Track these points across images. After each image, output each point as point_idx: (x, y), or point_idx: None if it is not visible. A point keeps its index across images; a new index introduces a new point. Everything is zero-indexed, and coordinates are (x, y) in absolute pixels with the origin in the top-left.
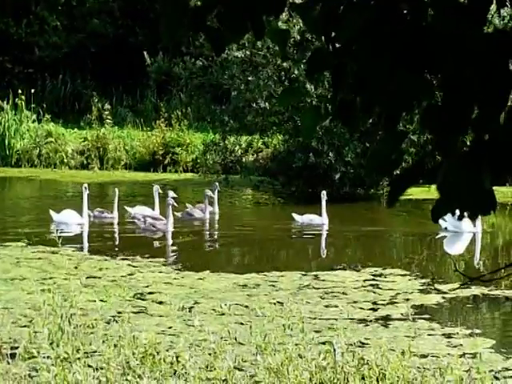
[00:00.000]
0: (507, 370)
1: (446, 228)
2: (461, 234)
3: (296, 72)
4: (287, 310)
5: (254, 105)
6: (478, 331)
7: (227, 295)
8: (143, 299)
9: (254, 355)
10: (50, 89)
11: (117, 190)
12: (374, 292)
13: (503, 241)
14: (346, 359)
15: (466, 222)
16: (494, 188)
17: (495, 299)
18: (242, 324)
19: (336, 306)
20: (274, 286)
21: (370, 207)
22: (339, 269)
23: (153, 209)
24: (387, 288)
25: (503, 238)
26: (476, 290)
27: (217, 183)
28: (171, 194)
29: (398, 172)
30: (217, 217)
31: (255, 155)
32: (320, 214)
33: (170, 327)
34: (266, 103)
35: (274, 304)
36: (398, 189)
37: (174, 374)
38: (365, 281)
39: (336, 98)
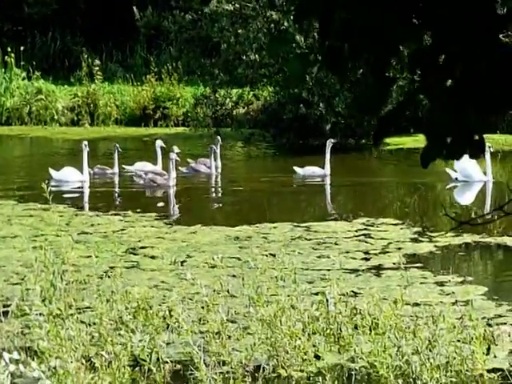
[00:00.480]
0: (500, 316)
1: (456, 178)
2: (471, 184)
3: (286, 24)
4: (279, 261)
5: (244, 57)
6: (470, 279)
7: (219, 248)
8: (135, 254)
9: (246, 307)
10: (40, 46)
11: (117, 145)
12: (366, 242)
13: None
14: (339, 309)
15: (477, 172)
16: (485, 135)
17: (487, 246)
18: (234, 276)
19: (328, 257)
20: (266, 237)
21: (361, 157)
22: (331, 219)
23: (155, 164)
24: (379, 237)
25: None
26: (468, 238)
27: (219, 137)
28: (176, 149)
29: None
30: (219, 171)
31: (246, 108)
32: (320, 166)
33: (162, 281)
34: (256, 55)
35: (266, 256)
36: (385, 127)
37: (167, 327)
38: (357, 231)
39: (324, 45)
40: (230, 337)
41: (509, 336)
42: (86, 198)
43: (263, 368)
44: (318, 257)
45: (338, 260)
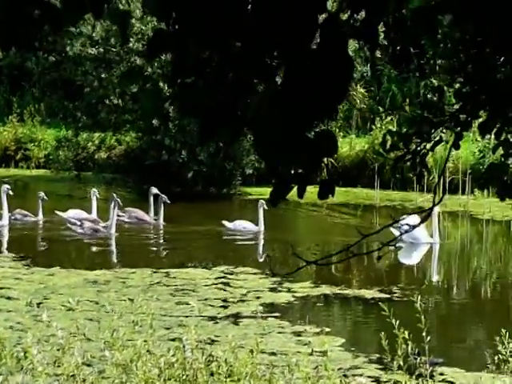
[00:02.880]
0: (356, 368)
1: (400, 238)
2: (417, 245)
3: (150, 70)
4: (137, 306)
5: (108, 101)
6: (327, 330)
7: (77, 291)
8: None
9: (102, 351)
10: None
11: (42, 193)
12: (225, 290)
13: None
14: (196, 356)
15: (423, 233)
16: (346, 189)
17: (346, 298)
18: (91, 320)
19: (187, 304)
20: (124, 282)
21: (221, 206)
22: (190, 266)
23: (89, 212)
24: (238, 286)
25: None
26: (327, 289)
27: (164, 197)
28: (115, 196)
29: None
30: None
31: (108, 152)
32: (253, 221)
33: (18, 322)
34: (120, 100)
35: (124, 300)
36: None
37: (21, 369)
38: (216, 279)
39: (176, 80)
40: (84, 380)
41: None
42: (5, 244)
43: None
44: (177, 303)
45: (196, 307)
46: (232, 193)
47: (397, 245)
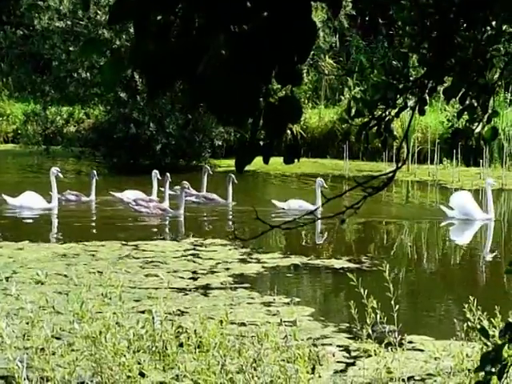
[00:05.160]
0: (325, 337)
1: (453, 216)
2: (471, 222)
3: (118, 42)
4: (106, 278)
5: (76, 75)
6: (297, 300)
7: (46, 265)
8: None
9: (71, 323)
10: None
11: (94, 171)
12: (195, 261)
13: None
14: (165, 327)
15: (477, 209)
16: (315, 160)
17: (315, 269)
18: (60, 293)
19: (156, 276)
20: (93, 255)
21: (191, 178)
22: (159, 239)
23: (149, 194)
24: (207, 257)
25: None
26: (296, 260)
27: (232, 175)
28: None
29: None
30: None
31: (77, 126)
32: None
33: None
34: (88, 74)
35: (94, 273)
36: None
37: None
38: (185, 250)
39: (139, 48)
40: (54, 353)
41: (333, 356)
42: (55, 229)
43: None
44: (146, 275)
45: (165, 279)
46: (201, 165)
47: (448, 221)
